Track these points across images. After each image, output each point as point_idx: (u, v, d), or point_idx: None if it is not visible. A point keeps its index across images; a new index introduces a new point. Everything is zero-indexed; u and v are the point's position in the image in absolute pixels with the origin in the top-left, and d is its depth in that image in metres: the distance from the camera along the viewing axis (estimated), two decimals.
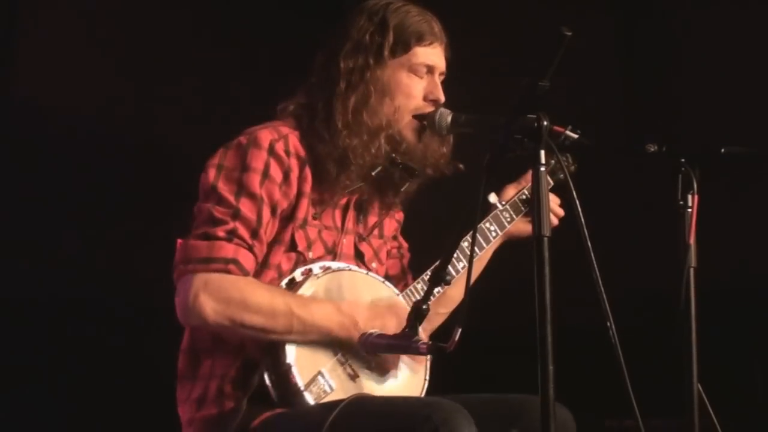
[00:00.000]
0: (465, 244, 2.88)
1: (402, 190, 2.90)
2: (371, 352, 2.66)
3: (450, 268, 2.81)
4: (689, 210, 2.65)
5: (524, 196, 3.12)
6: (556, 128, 2.39)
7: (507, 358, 3.97)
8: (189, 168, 2.82)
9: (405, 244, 3.11)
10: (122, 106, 3.94)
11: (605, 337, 2.35)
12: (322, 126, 2.77)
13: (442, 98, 2.83)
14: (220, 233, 2.64)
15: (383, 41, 2.79)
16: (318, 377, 2.63)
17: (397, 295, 2.84)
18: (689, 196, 2.65)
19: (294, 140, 2.76)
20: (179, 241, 2.70)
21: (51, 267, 3.81)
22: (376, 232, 2.98)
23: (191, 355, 2.74)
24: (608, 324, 2.34)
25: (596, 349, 2.52)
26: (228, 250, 2.63)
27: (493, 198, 3.09)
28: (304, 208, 2.76)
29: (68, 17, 3.92)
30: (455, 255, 2.88)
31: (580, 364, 3.63)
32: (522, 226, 3.12)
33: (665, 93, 4.28)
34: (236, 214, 2.66)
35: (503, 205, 3.10)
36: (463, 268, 2.94)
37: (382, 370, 2.73)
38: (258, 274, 2.70)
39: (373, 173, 2.80)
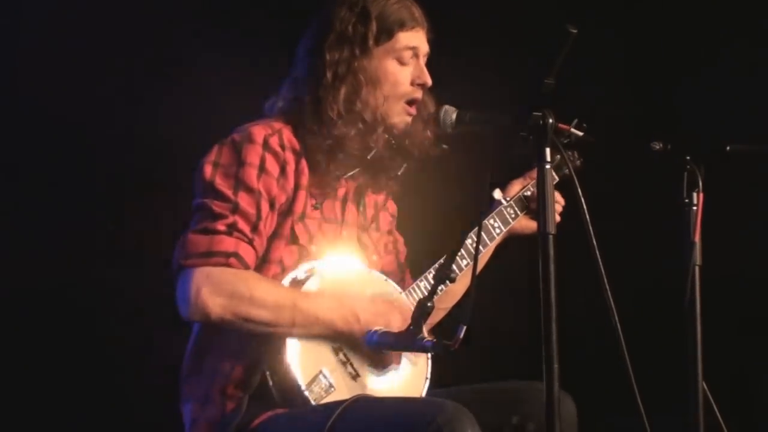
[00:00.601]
0: (468, 241, 2.88)
1: (399, 173, 2.90)
2: (375, 349, 2.65)
3: (453, 265, 2.81)
4: (694, 208, 2.65)
5: (529, 192, 3.12)
6: (562, 126, 2.39)
7: (505, 347, 3.98)
8: (189, 167, 2.81)
9: (401, 239, 3.11)
10: (120, 105, 3.92)
11: (610, 333, 2.35)
12: (312, 119, 2.77)
13: (429, 81, 2.85)
14: (220, 227, 2.63)
15: (366, 31, 2.80)
16: (319, 376, 2.62)
17: (400, 293, 2.84)
18: (694, 194, 2.65)
19: (288, 134, 2.76)
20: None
21: (51, 266, 3.80)
22: (374, 225, 2.98)
23: (196, 355, 2.73)
24: (613, 322, 2.34)
25: (600, 346, 2.52)
26: (229, 243, 2.63)
27: (497, 194, 3.09)
28: (302, 201, 2.76)
29: (66, 14, 3.91)
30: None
31: (584, 361, 3.63)
32: (526, 223, 3.12)
33: (671, 92, 4.27)
34: (235, 208, 2.65)
35: (507, 202, 3.09)
36: (466, 265, 2.95)
37: (383, 369, 2.72)
38: (260, 269, 2.69)
39: (368, 156, 2.81)
